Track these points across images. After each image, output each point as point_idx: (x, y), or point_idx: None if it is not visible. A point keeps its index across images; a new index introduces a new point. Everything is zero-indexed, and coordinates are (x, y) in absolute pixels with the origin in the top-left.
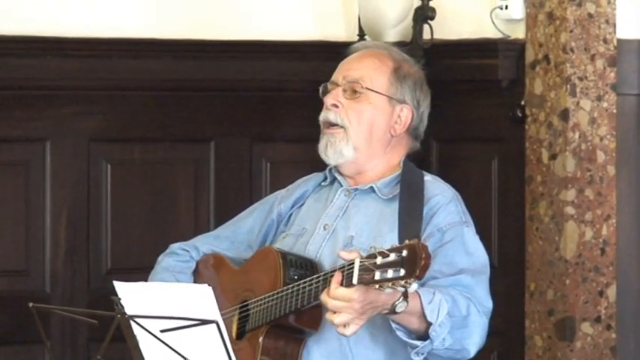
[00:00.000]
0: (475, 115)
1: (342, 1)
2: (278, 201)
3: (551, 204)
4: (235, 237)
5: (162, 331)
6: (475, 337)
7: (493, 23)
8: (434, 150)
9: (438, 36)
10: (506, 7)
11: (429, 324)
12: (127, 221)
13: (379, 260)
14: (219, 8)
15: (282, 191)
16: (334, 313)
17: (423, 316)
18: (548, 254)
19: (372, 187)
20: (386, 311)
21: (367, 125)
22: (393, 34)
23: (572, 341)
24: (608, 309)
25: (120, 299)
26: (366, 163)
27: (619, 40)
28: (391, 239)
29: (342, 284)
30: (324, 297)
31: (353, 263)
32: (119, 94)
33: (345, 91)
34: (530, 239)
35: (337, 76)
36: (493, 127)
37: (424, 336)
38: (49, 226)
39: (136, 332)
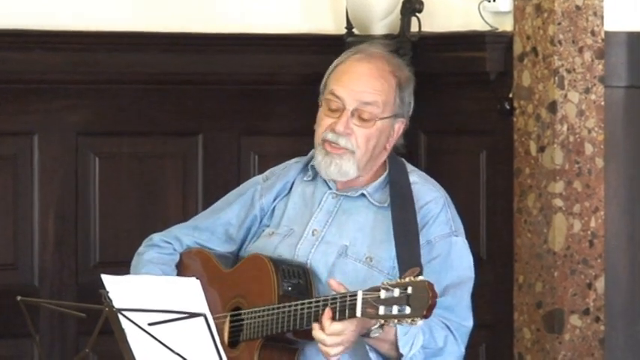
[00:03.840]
0: (463, 107)
1: None
2: (259, 193)
3: (539, 196)
4: (215, 228)
5: (150, 324)
6: None
7: (481, 16)
8: (422, 142)
9: (425, 29)
10: (494, 0)
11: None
12: (115, 215)
13: (383, 294)
14: (206, 1)
15: (260, 181)
16: (327, 346)
17: (396, 345)
18: (536, 246)
19: (362, 194)
20: (362, 333)
21: (371, 146)
22: (380, 27)
23: (560, 333)
24: (597, 301)
25: (108, 292)
26: (360, 176)
27: (607, 33)
28: (386, 249)
29: (334, 318)
30: (318, 334)
31: (355, 295)
32: (107, 87)
33: (352, 115)
34: (519, 232)
35: (345, 96)
36: (481, 120)
37: None
38: (37, 220)
39: (124, 325)
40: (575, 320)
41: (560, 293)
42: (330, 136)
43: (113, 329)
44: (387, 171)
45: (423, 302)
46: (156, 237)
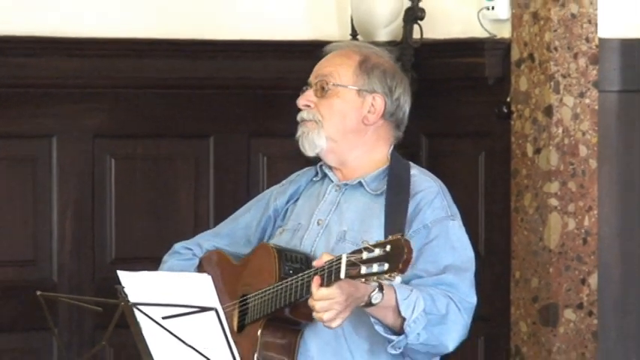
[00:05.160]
0: (463, 111)
1: (336, 1)
2: (273, 197)
3: (535, 196)
4: (234, 233)
5: (164, 317)
6: (454, 334)
7: (480, 23)
8: (423, 145)
9: (427, 36)
10: (493, 8)
11: (405, 319)
12: (130, 214)
13: (365, 255)
14: (216, 9)
15: (277, 187)
16: (319, 312)
17: (399, 311)
18: (532, 244)
19: (360, 182)
20: (363, 303)
21: (338, 116)
22: (384, 34)
23: (555, 327)
24: (590, 296)
25: (124, 288)
26: (346, 153)
27: (600, 39)
28: (378, 234)
29: (322, 284)
30: (310, 301)
31: (340, 259)
32: (122, 92)
33: (316, 90)
34: (516, 230)
35: (311, 78)
36: (480, 123)
37: (400, 332)
38: (55, 219)
39: (139, 319)
40: (569, 314)
41: (554, 288)
42: (298, 116)
43: (128, 323)
44: (389, 164)
45: (399, 257)
46: (178, 245)
